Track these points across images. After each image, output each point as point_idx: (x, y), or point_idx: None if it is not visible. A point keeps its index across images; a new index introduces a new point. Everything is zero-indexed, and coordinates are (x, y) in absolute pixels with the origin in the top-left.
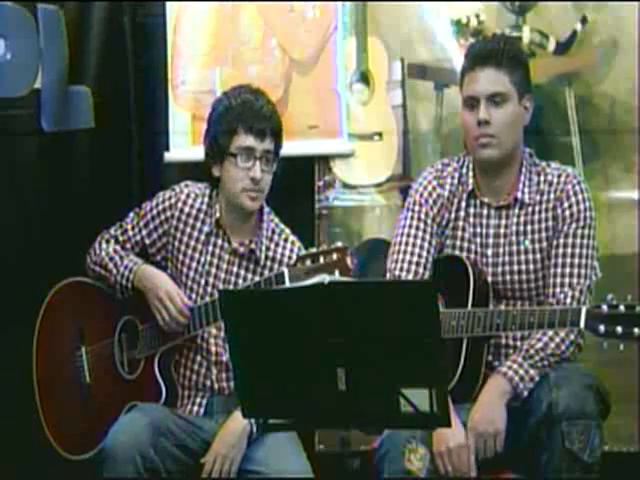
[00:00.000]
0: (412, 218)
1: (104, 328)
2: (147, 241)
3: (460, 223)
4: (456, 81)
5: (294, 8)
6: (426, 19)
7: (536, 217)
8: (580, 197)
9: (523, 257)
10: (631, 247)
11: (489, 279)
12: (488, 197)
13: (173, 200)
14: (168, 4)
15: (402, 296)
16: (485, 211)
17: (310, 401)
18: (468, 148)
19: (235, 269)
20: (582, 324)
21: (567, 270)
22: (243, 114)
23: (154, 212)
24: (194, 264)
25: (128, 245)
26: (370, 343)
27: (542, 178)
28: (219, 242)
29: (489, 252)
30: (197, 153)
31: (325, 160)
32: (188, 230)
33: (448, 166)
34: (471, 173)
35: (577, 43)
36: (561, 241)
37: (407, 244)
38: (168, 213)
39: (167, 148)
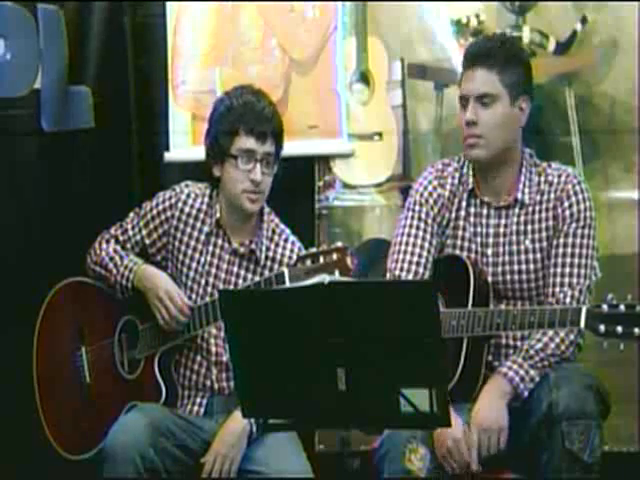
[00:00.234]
0: (412, 218)
1: (104, 328)
2: (147, 241)
3: (460, 223)
4: (456, 81)
5: (294, 8)
6: (426, 19)
7: (536, 217)
8: (580, 197)
9: (523, 257)
10: (631, 247)
11: (489, 279)
12: (488, 197)
13: (173, 200)
14: (168, 4)
15: (402, 296)
16: (485, 211)
17: (310, 401)
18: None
19: (235, 269)
20: (582, 324)
21: (567, 270)
22: (244, 115)
23: (154, 212)
24: (194, 264)
25: (128, 245)
26: (370, 343)
27: (542, 178)
28: (219, 242)
29: (489, 252)
30: (197, 153)
31: (325, 160)
32: (188, 230)
33: (448, 166)
34: (471, 173)
35: (577, 43)
36: (561, 241)
37: (407, 244)
38: (168, 213)
39: (167, 148)
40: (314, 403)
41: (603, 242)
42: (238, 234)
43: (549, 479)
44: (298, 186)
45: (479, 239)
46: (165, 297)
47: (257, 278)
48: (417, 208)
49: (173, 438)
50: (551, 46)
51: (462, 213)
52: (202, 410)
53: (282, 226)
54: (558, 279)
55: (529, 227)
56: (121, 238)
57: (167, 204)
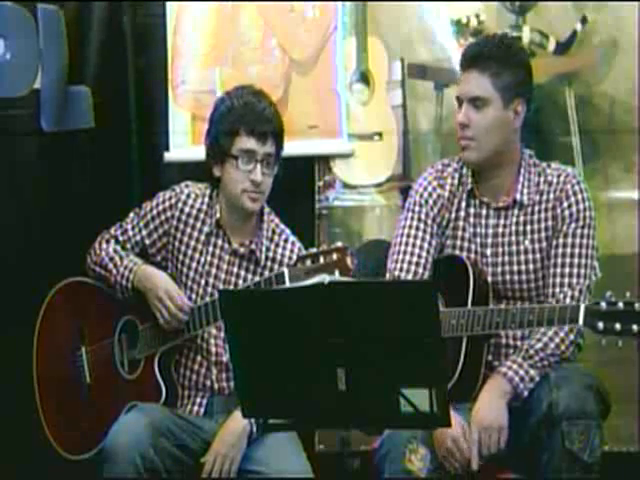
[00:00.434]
0: (412, 218)
1: (104, 328)
2: (147, 241)
3: (460, 223)
4: (456, 81)
5: (294, 8)
6: (426, 19)
7: (535, 217)
8: (580, 197)
9: (523, 257)
10: (631, 247)
11: (489, 279)
12: (487, 197)
13: (173, 200)
14: (168, 4)
15: (402, 296)
16: (484, 211)
17: (310, 401)
18: None
19: (235, 269)
20: (581, 321)
21: (567, 270)
22: (245, 116)
23: (154, 212)
24: (194, 264)
25: (128, 245)
26: (370, 343)
27: (542, 178)
28: (219, 242)
29: (489, 252)
30: (197, 153)
31: (325, 160)
32: (188, 230)
33: (448, 166)
34: (470, 173)
35: (577, 43)
36: (560, 241)
37: (407, 244)
38: (168, 213)
39: (167, 148)
40: (314, 403)
41: (603, 242)
42: (238, 234)
43: (549, 479)
44: (298, 186)
45: (478, 239)
46: (165, 297)
47: (257, 278)
48: (417, 209)
49: (173, 438)
50: (551, 46)
51: (462, 214)
52: (202, 410)
53: (282, 226)
54: (558, 279)
55: (528, 227)
56: (121, 238)
57: (167, 204)
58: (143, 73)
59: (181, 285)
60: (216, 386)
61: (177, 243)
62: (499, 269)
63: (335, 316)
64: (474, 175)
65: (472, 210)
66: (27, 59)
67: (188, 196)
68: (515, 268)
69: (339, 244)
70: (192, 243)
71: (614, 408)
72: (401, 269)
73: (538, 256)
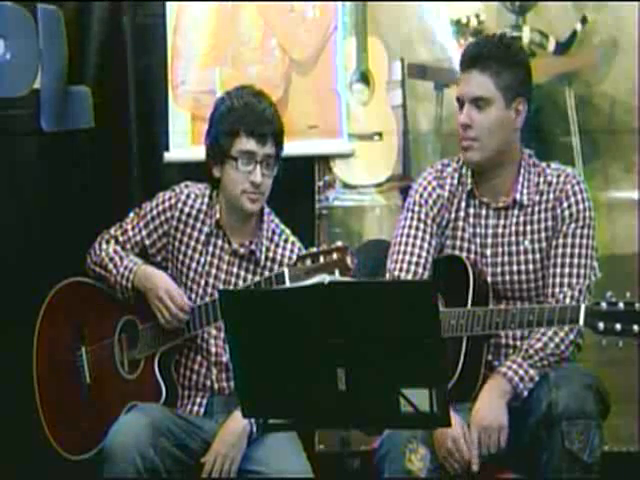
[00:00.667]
0: (412, 218)
1: (104, 328)
2: (147, 242)
3: (460, 223)
4: (456, 81)
5: (294, 8)
6: (426, 19)
7: (535, 217)
8: (579, 197)
9: (522, 257)
10: (631, 247)
11: (489, 279)
12: (487, 197)
13: (173, 201)
14: (168, 4)
15: (402, 296)
16: (484, 211)
17: (310, 401)
18: None
19: (235, 270)
20: (581, 321)
21: (566, 270)
22: (245, 117)
23: (154, 213)
24: (194, 264)
25: (128, 245)
26: (370, 343)
27: (541, 179)
28: (219, 243)
29: (488, 252)
30: (197, 153)
31: (325, 160)
32: (188, 230)
33: (448, 166)
34: (470, 173)
35: (577, 43)
36: (560, 241)
37: (407, 244)
38: (168, 214)
39: (167, 148)
40: (314, 403)
41: (603, 242)
42: (238, 235)
43: (549, 479)
44: (298, 186)
45: (478, 240)
46: (165, 296)
47: (257, 279)
48: (416, 208)
49: (173, 438)
50: (551, 46)
51: (461, 214)
52: (202, 410)
53: (282, 226)
54: (558, 279)
55: (528, 227)
56: (121, 238)
57: (167, 205)
58: (143, 73)
59: (181, 285)
60: (216, 386)
61: (177, 243)
62: (499, 269)
63: (335, 316)
64: (474, 175)
65: (472, 210)
66: (27, 59)
67: (188, 196)
68: (515, 268)
69: (339, 244)
70: (192, 243)
71: (614, 408)
72: (401, 269)
73: (538, 256)
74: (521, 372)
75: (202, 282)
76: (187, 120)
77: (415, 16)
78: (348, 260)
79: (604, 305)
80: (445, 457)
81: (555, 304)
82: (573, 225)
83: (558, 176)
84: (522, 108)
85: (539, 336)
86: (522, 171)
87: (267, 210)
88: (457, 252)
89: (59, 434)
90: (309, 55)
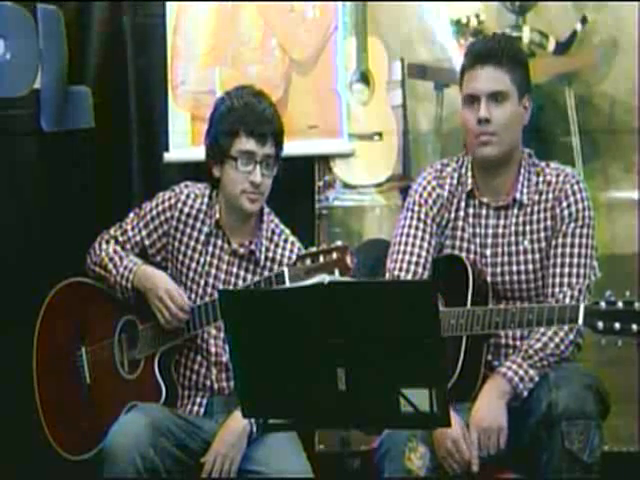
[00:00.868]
0: (412, 218)
1: (104, 328)
2: (147, 242)
3: (459, 223)
4: (456, 81)
5: (294, 8)
6: (426, 19)
7: (535, 217)
8: (579, 197)
9: (522, 257)
10: (631, 247)
11: (488, 279)
12: (487, 197)
13: (173, 201)
14: (168, 4)
15: (402, 296)
16: (484, 211)
17: (310, 401)
18: (467, 146)
19: (235, 270)
20: (580, 321)
21: (566, 270)
22: (245, 117)
23: (154, 213)
24: (194, 264)
25: (128, 246)
26: (370, 343)
27: (541, 178)
28: (219, 243)
29: (488, 252)
30: (197, 153)
31: (325, 160)
32: (188, 230)
33: (447, 166)
34: (470, 173)
35: (577, 43)
36: (560, 241)
37: (407, 244)
38: (168, 214)
39: (167, 148)
40: (314, 403)
41: (603, 242)
42: (238, 235)
43: (549, 479)
44: (298, 186)
45: (478, 240)
46: (166, 296)
47: (257, 279)
48: (416, 208)
49: (173, 438)
50: (551, 46)
51: (461, 214)
52: (202, 410)
53: (282, 226)
54: (557, 279)
55: (528, 227)
56: (121, 239)
57: (167, 205)
58: (143, 73)
59: (181, 285)
60: (216, 386)
61: (177, 243)
62: (498, 269)
63: (335, 316)
64: (474, 175)
65: (471, 210)
66: (27, 59)
67: (188, 196)
68: (514, 268)
69: (339, 243)
70: (192, 243)
71: (614, 408)
72: (400, 269)
73: (537, 256)
74: (521, 372)
75: (202, 282)
76: (187, 120)
77: (415, 16)
78: (348, 260)
79: (603, 304)
80: (444, 457)
81: (555, 304)
82: (573, 225)
83: (557, 176)
84: (528, 105)
85: (539, 336)
86: (522, 170)
87: (267, 210)
88: (457, 252)
89: (59, 434)
90: (309, 55)
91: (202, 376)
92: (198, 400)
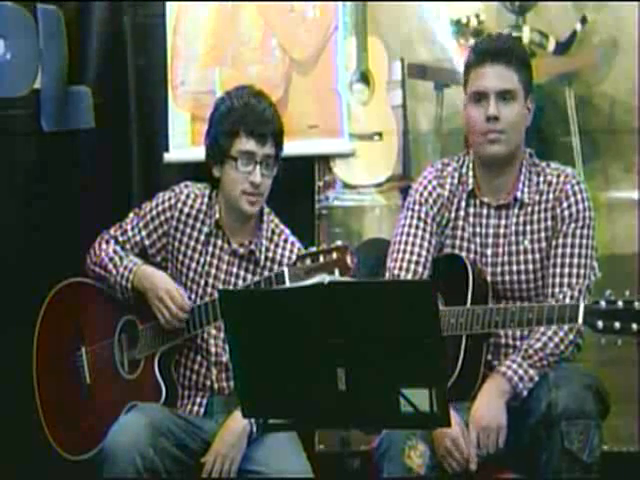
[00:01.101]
0: (412, 217)
1: (104, 328)
2: (147, 242)
3: (460, 223)
4: (456, 81)
5: (294, 8)
6: (426, 19)
7: (535, 217)
8: (579, 197)
9: (522, 257)
10: (631, 247)
11: (488, 279)
12: (488, 197)
13: (173, 201)
14: (168, 4)
15: (402, 296)
16: (485, 211)
17: (310, 401)
18: (471, 145)
19: (235, 270)
20: (580, 320)
21: (566, 270)
22: (245, 117)
23: (154, 213)
24: (193, 265)
25: (128, 246)
26: (370, 343)
27: (541, 178)
28: (219, 243)
29: (488, 252)
30: (196, 153)
31: (325, 160)
32: (188, 231)
33: (448, 166)
34: (471, 173)
35: (577, 43)
36: (560, 241)
37: (407, 243)
38: (168, 214)
39: (167, 148)
40: (314, 403)
41: (603, 242)
42: (237, 235)
43: (549, 479)
44: (298, 186)
45: (478, 239)
46: (166, 296)
47: (257, 278)
48: (416, 208)
49: (173, 438)
50: (551, 46)
51: (461, 213)
52: (202, 410)
53: (282, 226)
54: (557, 279)
55: (528, 227)
56: (121, 239)
57: (167, 205)
58: (143, 73)
59: (181, 285)
60: (216, 386)
61: (177, 243)
62: (499, 269)
63: (335, 316)
64: (475, 175)
65: (472, 210)
66: (27, 59)
67: (187, 196)
68: (515, 268)
69: (339, 243)
70: (192, 243)
71: (614, 408)
72: (400, 268)
73: (538, 256)
74: (520, 372)
75: (202, 282)
76: (187, 120)
77: (415, 16)
78: (348, 259)
79: (603, 303)
80: (444, 456)
81: (555, 303)
82: (573, 225)
83: (558, 176)
84: (531, 106)
85: (539, 336)
86: (523, 170)
87: (267, 210)
88: (457, 251)
89: (59, 434)
90: (309, 55)
91: (202, 376)
92: (198, 400)
